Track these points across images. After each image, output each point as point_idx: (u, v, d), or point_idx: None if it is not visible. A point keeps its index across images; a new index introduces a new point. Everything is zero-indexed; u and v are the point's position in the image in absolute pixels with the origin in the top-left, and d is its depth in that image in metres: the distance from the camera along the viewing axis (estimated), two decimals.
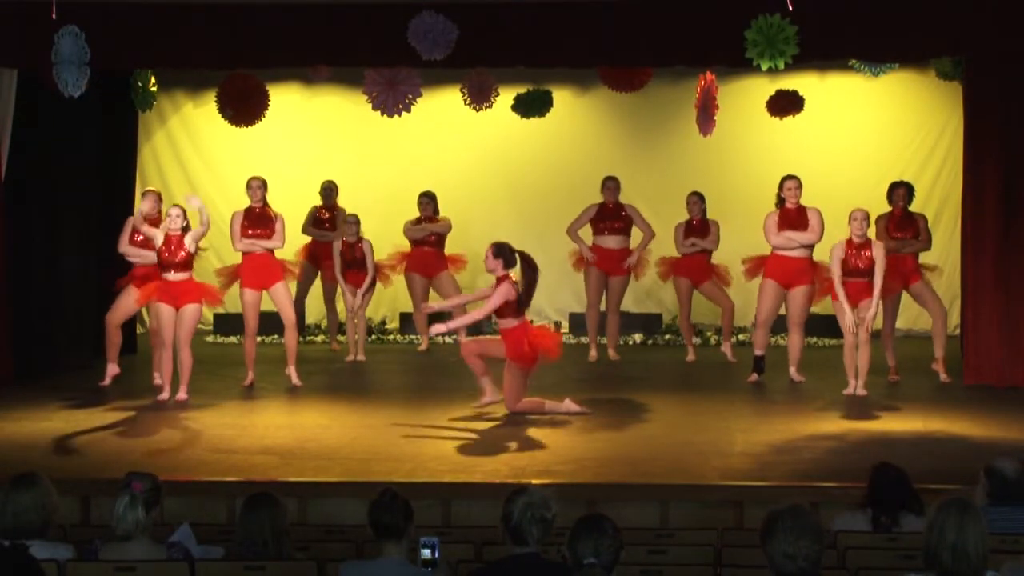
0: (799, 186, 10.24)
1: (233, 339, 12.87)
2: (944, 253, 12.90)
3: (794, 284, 10.24)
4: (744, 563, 5.26)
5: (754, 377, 10.46)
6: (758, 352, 10.50)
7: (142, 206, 10.39)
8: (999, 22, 9.57)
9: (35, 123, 10.87)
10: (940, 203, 13.28)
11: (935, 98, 13.16)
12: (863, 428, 8.68)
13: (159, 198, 10.60)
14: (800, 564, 3.88)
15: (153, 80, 12.73)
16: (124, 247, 10.36)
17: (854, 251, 9.74)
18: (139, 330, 13.14)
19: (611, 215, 11.61)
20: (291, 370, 10.46)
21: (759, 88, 12.50)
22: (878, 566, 5.23)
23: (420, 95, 10.87)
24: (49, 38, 9.47)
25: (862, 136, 13.51)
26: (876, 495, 5.78)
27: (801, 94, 11.98)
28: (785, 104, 12.01)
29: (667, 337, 13.08)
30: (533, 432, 8.60)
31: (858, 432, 8.54)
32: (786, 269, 10.23)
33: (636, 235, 11.74)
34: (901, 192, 10.69)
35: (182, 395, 9.66)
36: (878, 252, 9.75)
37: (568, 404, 9.15)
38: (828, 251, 9.93)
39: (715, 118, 10.80)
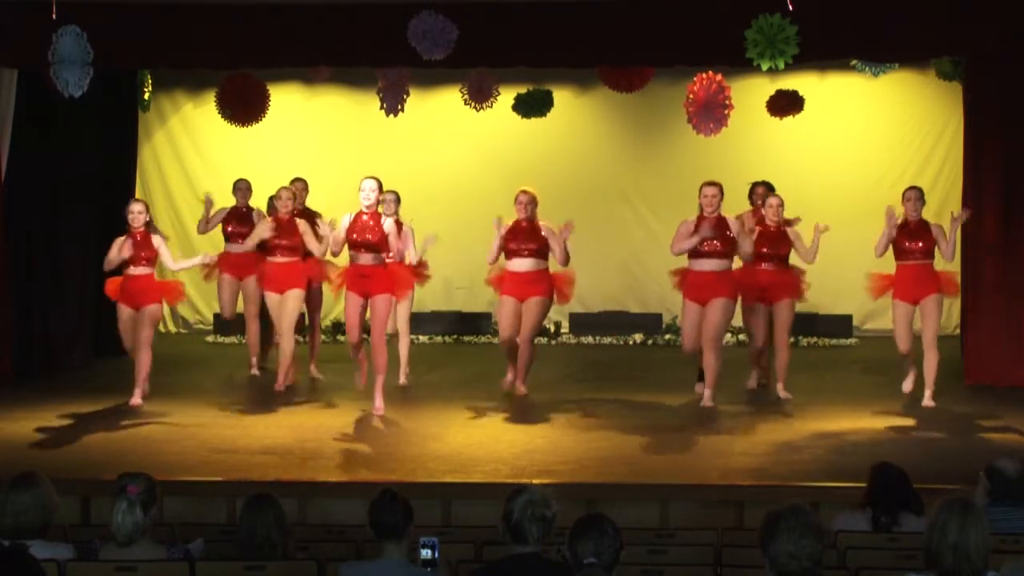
0: (718, 194, 9.58)
1: (233, 339, 12.86)
2: None
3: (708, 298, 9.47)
4: (744, 563, 5.26)
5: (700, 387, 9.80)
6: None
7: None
8: (999, 22, 9.57)
9: (35, 123, 10.88)
10: (940, 203, 13.26)
11: (935, 98, 13.16)
12: (863, 428, 8.68)
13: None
14: (803, 564, 3.88)
15: (149, 81, 12.74)
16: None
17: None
18: None
19: (524, 236, 10.05)
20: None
21: (759, 88, 12.49)
22: (878, 566, 5.23)
23: (408, 94, 10.89)
24: (49, 38, 9.46)
25: (862, 136, 13.51)
26: (876, 495, 5.78)
27: (801, 94, 11.98)
28: (785, 104, 12.01)
29: (667, 337, 13.07)
30: (533, 432, 8.60)
31: (858, 432, 8.54)
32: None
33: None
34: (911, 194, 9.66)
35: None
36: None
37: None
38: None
39: (727, 116, 10.72)
